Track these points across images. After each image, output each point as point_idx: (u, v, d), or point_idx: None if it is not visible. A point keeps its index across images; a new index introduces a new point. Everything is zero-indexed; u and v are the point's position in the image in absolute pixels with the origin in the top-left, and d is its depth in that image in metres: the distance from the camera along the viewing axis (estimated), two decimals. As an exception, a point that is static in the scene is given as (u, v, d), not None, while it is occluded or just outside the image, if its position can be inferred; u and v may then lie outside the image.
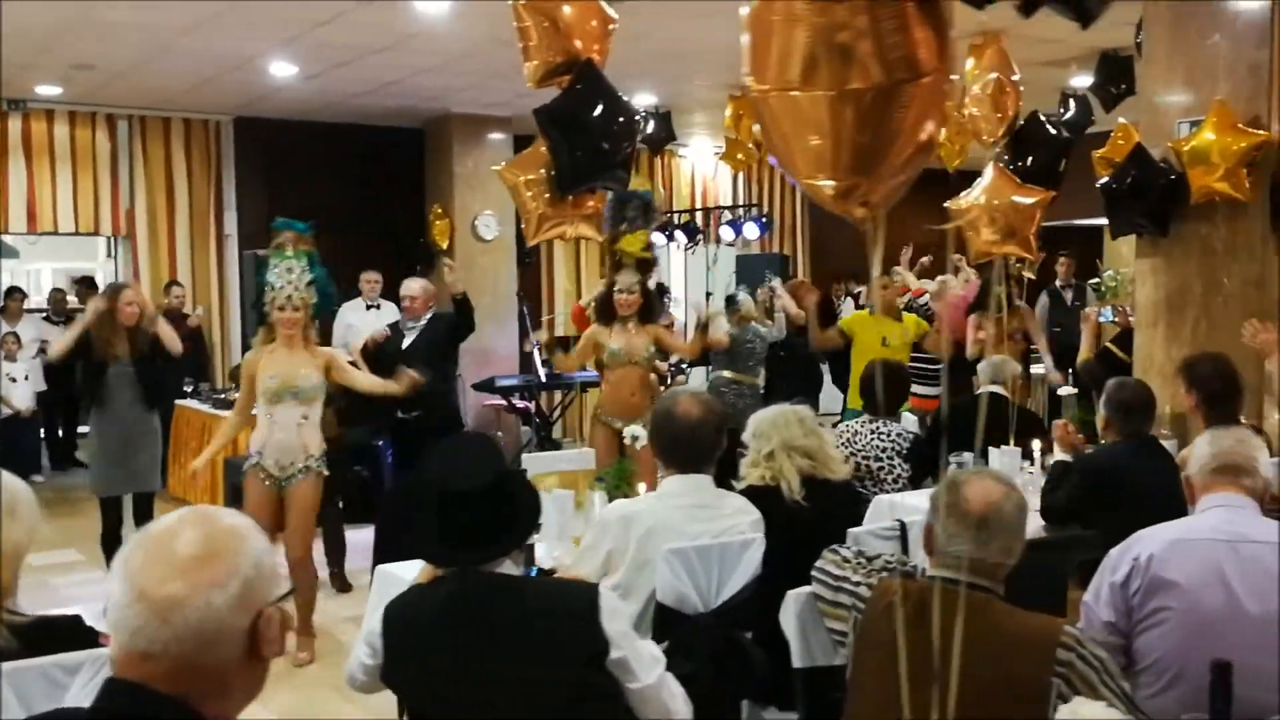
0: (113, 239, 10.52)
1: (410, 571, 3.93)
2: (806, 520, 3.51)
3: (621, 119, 4.55)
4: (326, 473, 5.33)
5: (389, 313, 8.73)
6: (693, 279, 11.62)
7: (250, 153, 10.79)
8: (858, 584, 2.61)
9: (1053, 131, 6.43)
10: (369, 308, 9.34)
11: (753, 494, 3.58)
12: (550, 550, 3.80)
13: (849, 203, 1.43)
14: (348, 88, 9.35)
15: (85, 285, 11.20)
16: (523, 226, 4.51)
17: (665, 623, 3.10)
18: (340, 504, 6.57)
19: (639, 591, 3.12)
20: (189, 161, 10.49)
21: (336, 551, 6.59)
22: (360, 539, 6.42)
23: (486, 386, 9.84)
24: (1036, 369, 9.99)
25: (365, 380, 5.68)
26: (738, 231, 11.32)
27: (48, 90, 9.28)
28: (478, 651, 2.27)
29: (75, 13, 6.82)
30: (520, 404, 9.91)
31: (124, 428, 6.07)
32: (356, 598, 6.10)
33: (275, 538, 5.19)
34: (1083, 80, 8.76)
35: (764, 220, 11.60)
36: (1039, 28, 7.93)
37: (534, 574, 2.96)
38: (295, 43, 7.74)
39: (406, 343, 7.20)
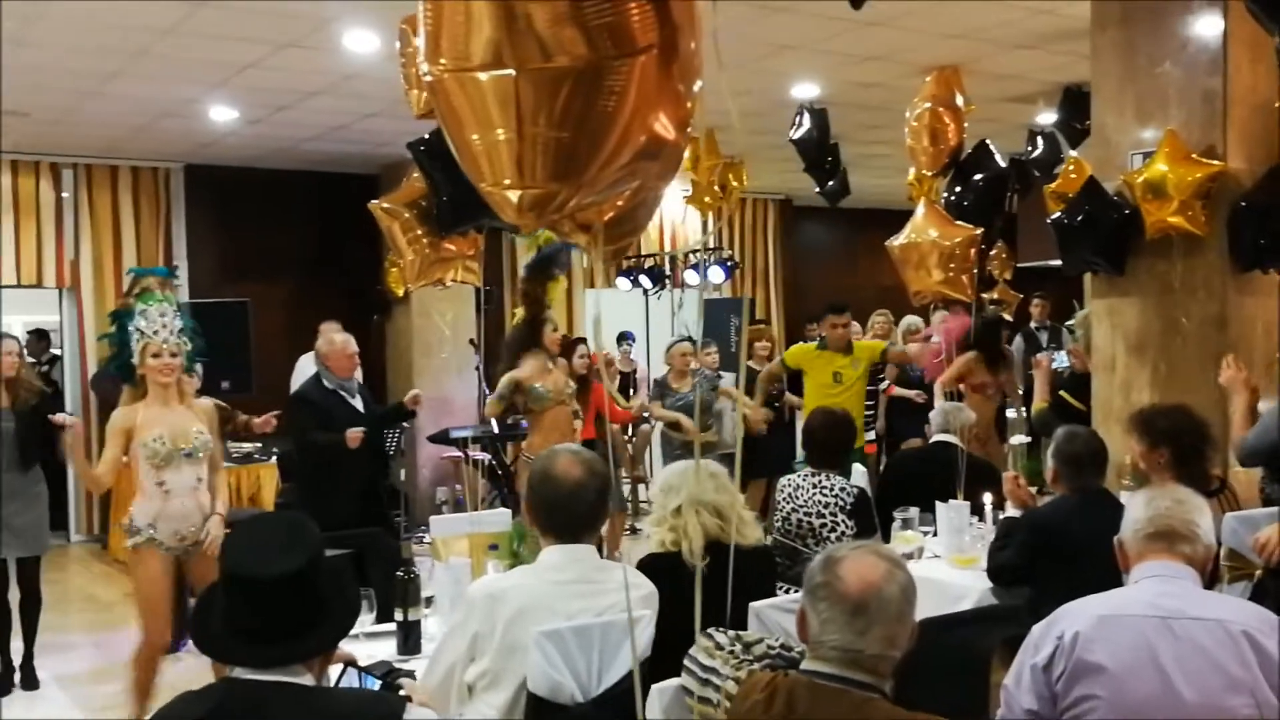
0: (58, 290, 10.20)
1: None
2: (708, 589, 3.16)
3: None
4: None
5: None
6: (656, 324, 11.31)
7: (202, 201, 10.53)
8: (725, 679, 2.28)
9: (998, 163, 6.14)
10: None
11: (652, 564, 3.25)
12: (443, 627, 3.46)
13: (545, 217, 1.10)
14: (295, 133, 9.12)
15: (36, 337, 10.91)
16: (396, 271, 4.20)
17: (539, 715, 2.75)
18: None
19: (508, 680, 2.77)
20: (137, 210, 10.21)
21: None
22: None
23: (441, 438, 9.53)
24: (1012, 413, 9.68)
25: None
26: (703, 275, 11.04)
27: (-15, 139, 9.02)
28: None
29: (-5, 57, 6.57)
30: (477, 455, 9.57)
31: (2, 485, 5.64)
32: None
33: (168, 616, 4.85)
34: (1049, 116, 8.52)
35: (730, 264, 11.30)
36: (999, 63, 7.77)
37: (375, 678, 2.56)
38: (227, 86, 7.50)
39: (359, 404, 6.56)
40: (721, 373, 8.99)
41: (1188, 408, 4.08)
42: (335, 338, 6.29)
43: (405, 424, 6.52)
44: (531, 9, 1.04)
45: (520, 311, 5.59)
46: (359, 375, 6.42)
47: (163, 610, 4.80)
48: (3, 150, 9.38)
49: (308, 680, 2.03)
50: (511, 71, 1.05)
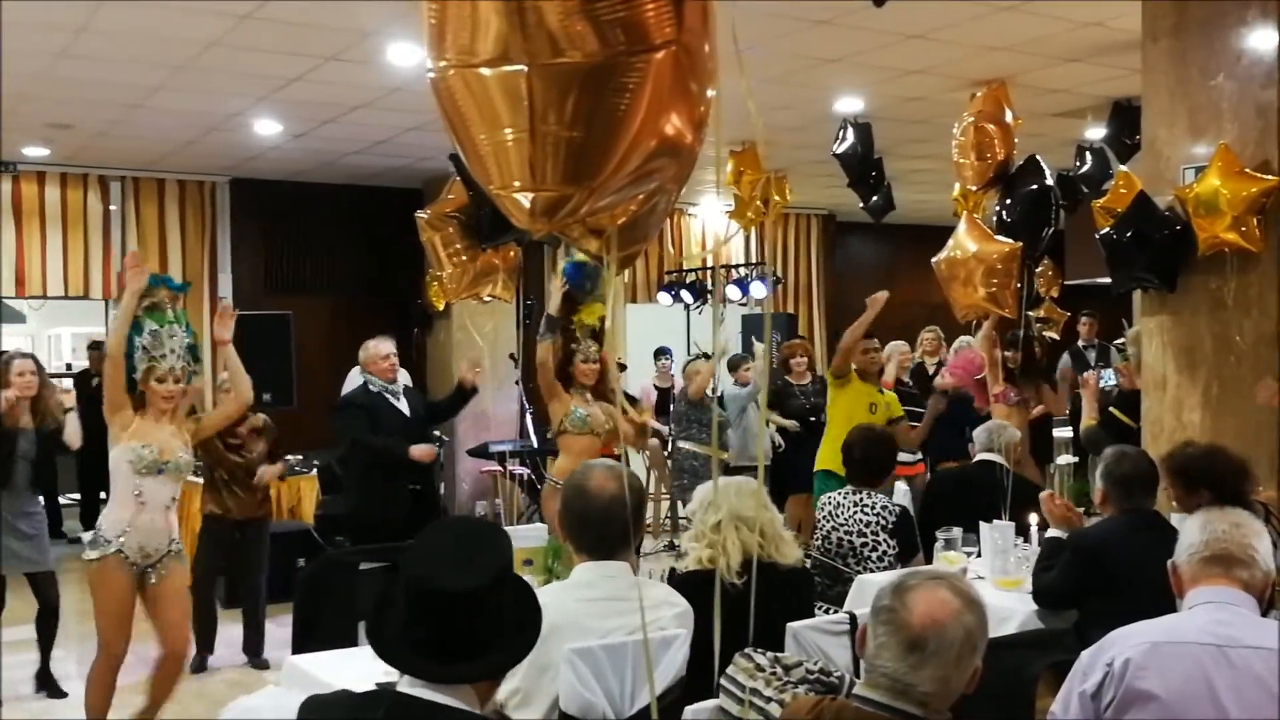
0: (105, 302, 10.30)
1: (326, 664, 3.57)
2: (745, 608, 3.10)
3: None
4: (184, 561, 4.97)
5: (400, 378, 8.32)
6: (697, 339, 11.27)
7: (246, 214, 10.62)
8: (769, 700, 2.21)
9: (1047, 179, 6.02)
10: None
11: (687, 581, 3.19)
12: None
13: (557, 222, 1.04)
14: (338, 146, 9.17)
15: (94, 349, 10.99)
16: (436, 285, 4.17)
17: (570, 734, 2.70)
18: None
19: (539, 699, 2.72)
20: (183, 223, 10.31)
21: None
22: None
23: (481, 452, 9.53)
24: (1060, 432, 9.51)
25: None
26: (745, 290, 10.97)
27: (35, 151, 9.14)
28: None
29: (42, 69, 6.65)
30: (517, 470, 9.55)
31: (19, 503, 5.71)
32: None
33: (129, 631, 4.82)
34: (1097, 131, 8.39)
35: (773, 279, 11.22)
36: (1046, 76, 7.65)
37: None
38: (272, 100, 7.54)
39: (404, 406, 6.62)
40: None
41: (1223, 449, 3.97)
42: (369, 343, 6.42)
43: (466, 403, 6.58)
44: (542, 3, 0.99)
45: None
46: (405, 378, 6.49)
47: (126, 625, 4.79)
48: (52, 162, 9.53)
49: (475, 707, 1.91)
50: (521, 67, 1.00)
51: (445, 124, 1.19)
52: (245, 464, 6.36)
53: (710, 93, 1.13)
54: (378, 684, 2.50)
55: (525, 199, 1.06)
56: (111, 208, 10.02)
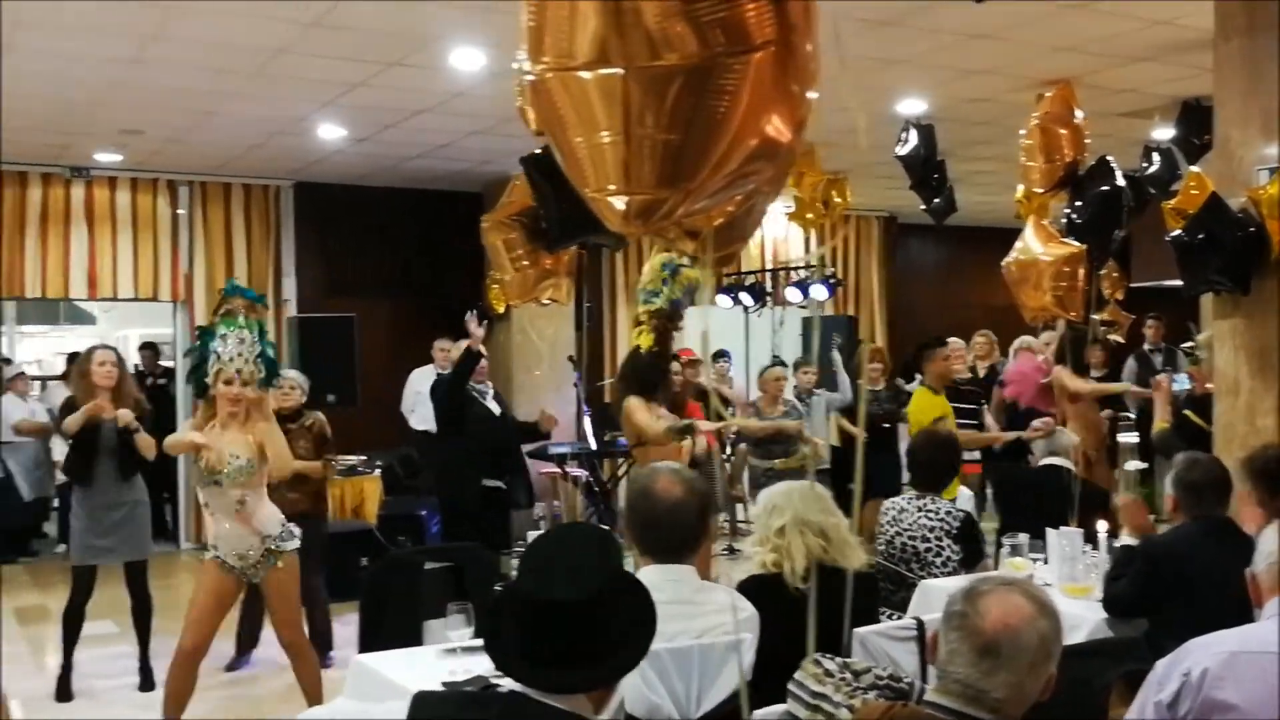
0: (172, 304, 10.50)
1: (392, 663, 3.61)
2: (808, 612, 3.08)
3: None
4: (295, 545, 4.97)
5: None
6: (756, 343, 11.22)
7: (309, 218, 10.77)
8: (838, 705, 2.20)
9: (1117, 180, 5.92)
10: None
11: (752, 586, 3.18)
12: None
13: (652, 224, 1.04)
14: (400, 151, 9.27)
15: (150, 351, 11.23)
16: (497, 289, 4.21)
17: (636, 736, 2.70)
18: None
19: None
20: (248, 227, 10.49)
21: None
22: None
23: (540, 454, 9.56)
24: (1126, 438, 9.37)
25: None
26: (805, 293, 10.91)
27: (107, 157, 9.34)
28: None
29: (116, 77, 6.79)
30: (575, 472, 9.57)
31: (105, 495, 5.83)
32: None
33: (219, 623, 4.94)
34: (1166, 132, 8.25)
35: (833, 281, 11.15)
36: (1113, 76, 7.53)
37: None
38: (336, 105, 7.64)
39: (495, 407, 6.96)
40: (817, 390, 8.89)
41: None
42: (451, 347, 6.90)
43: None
44: (641, 4, 0.99)
45: (644, 339, 5.54)
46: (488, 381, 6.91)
47: (208, 622, 4.87)
48: (124, 168, 9.74)
49: (588, 713, 1.92)
50: (618, 70, 0.99)
51: (543, 125, 1.19)
52: None
53: (811, 94, 1.12)
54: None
55: (620, 202, 1.06)
56: (179, 212, 10.21)
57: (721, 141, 1.04)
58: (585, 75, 1.03)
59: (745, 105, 1.03)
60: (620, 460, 9.83)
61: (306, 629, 6.57)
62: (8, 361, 10.37)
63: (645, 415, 5.70)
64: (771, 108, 1.04)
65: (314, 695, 5.08)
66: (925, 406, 6.82)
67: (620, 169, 1.05)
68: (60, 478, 8.72)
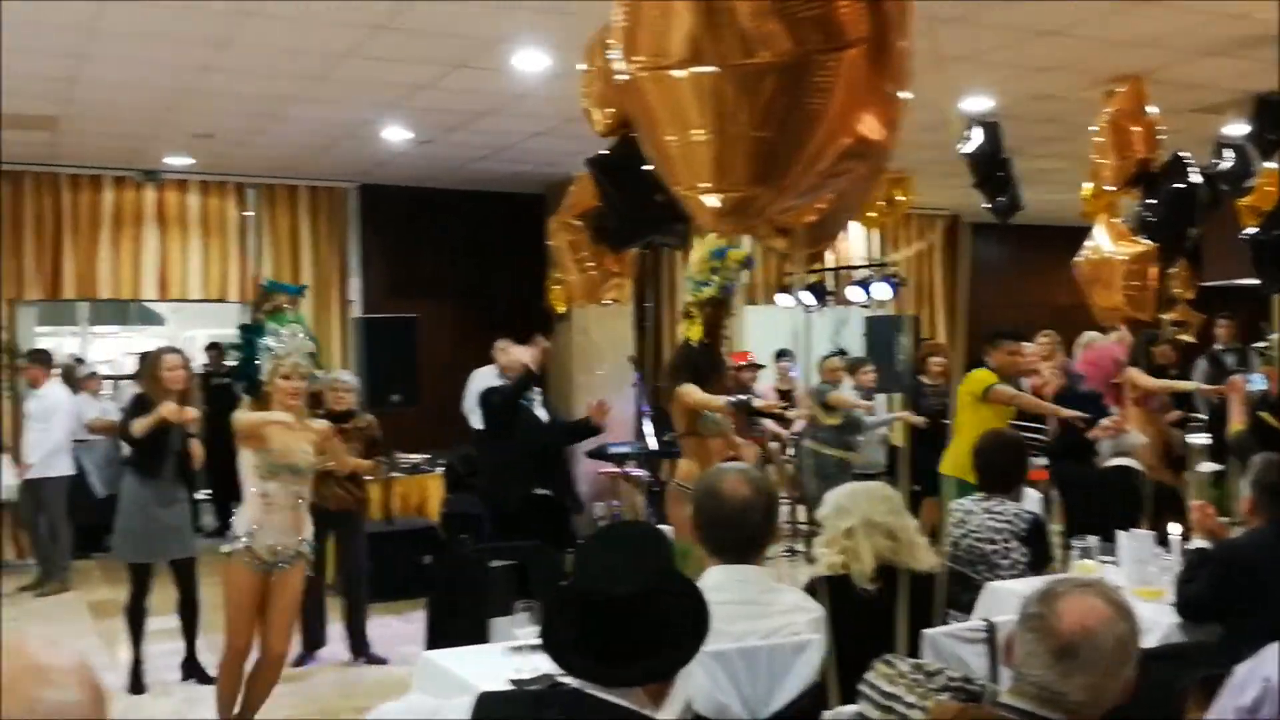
0: (240, 305, 10.68)
1: (459, 660, 3.64)
2: (878, 614, 3.07)
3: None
4: (313, 558, 5.09)
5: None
6: (817, 342, 11.15)
7: (374, 219, 10.91)
8: (910, 706, 2.19)
9: (1191, 177, 5.81)
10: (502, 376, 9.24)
11: (819, 586, 3.17)
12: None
13: (743, 222, 1.04)
14: (463, 153, 9.35)
15: (213, 350, 11.41)
16: (559, 289, 4.23)
17: (706, 736, 2.71)
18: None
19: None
20: (314, 228, 10.65)
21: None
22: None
23: (599, 454, 9.60)
24: (1197, 439, 9.18)
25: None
26: (867, 292, 10.84)
27: (178, 160, 9.52)
28: None
29: (188, 82, 6.92)
30: (635, 472, 9.59)
31: (163, 494, 5.97)
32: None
33: (256, 620, 4.97)
34: (1239, 128, 8.07)
35: (895, 280, 11.05)
36: (1183, 72, 7.39)
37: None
38: (400, 108, 7.73)
39: (543, 414, 7.00)
40: (874, 393, 8.86)
41: None
42: (511, 350, 7.00)
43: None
44: (734, 3, 0.99)
45: (694, 331, 5.54)
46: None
47: (249, 621, 4.93)
48: (194, 171, 9.93)
49: (645, 708, 1.96)
50: (712, 68, 1.00)
51: (635, 124, 1.19)
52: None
53: (905, 94, 1.11)
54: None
55: (713, 199, 1.07)
56: (247, 214, 10.39)
57: (814, 139, 1.04)
58: (679, 74, 1.04)
59: (838, 103, 1.03)
60: (677, 471, 9.82)
61: (345, 628, 6.62)
62: (81, 361, 10.59)
63: (702, 394, 5.64)
64: (864, 106, 1.04)
65: (256, 701, 5.09)
66: (979, 378, 6.65)
67: (713, 167, 1.05)
68: None
